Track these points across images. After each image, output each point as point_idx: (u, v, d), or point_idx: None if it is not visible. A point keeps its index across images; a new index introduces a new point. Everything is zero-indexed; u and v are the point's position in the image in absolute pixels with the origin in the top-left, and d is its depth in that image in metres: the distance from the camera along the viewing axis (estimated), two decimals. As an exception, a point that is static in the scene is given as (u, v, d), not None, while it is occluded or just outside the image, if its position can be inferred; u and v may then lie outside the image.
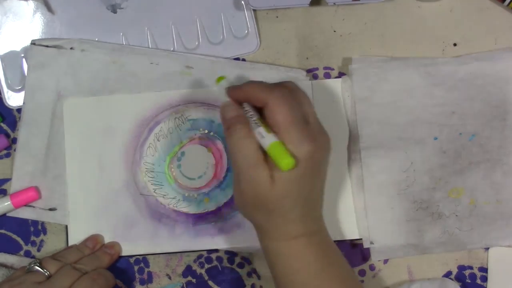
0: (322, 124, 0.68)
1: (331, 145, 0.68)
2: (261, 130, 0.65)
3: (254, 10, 0.81)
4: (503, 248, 0.78)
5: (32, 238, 0.80)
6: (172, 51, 0.81)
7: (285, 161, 0.63)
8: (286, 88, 0.67)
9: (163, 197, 0.79)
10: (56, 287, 0.71)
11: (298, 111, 0.65)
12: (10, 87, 0.81)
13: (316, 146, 0.64)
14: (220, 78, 0.69)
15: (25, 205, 0.79)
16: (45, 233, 0.80)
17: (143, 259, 0.79)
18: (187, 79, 0.80)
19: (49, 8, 0.80)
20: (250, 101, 0.67)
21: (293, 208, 0.66)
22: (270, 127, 0.65)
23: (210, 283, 0.79)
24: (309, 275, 0.68)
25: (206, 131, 0.80)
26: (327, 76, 0.81)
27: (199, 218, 0.79)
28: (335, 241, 0.78)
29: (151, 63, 0.80)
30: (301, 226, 0.67)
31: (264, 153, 0.65)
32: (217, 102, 0.80)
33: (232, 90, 0.68)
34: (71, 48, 0.80)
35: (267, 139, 0.64)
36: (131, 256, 0.79)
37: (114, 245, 0.78)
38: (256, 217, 0.68)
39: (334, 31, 0.81)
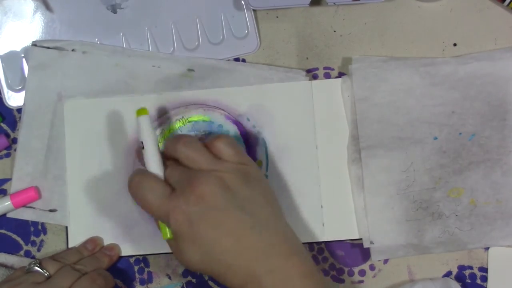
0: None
1: (236, 170, 0.69)
2: None
3: (254, 10, 0.81)
4: (503, 248, 0.78)
5: (32, 238, 0.80)
6: (174, 53, 0.81)
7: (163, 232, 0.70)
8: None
9: (163, 197, 0.79)
10: (56, 288, 0.71)
11: (174, 176, 0.70)
12: (10, 87, 0.81)
13: (178, 210, 0.67)
14: (140, 111, 0.72)
15: (25, 206, 0.79)
16: (45, 233, 0.80)
17: (143, 259, 0.79)
18: (188, 81, 0.80)
19: (47, 6, 0.80)
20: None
21: (211, 272, 0.68)
22: None
23: (210, 283, 0.79)
24: None
25: (207, 132, 0.80)
26: (327, 76, 0.81)
27: (199, 218, 0.79)
28: (335, 241, 0.78)
29: (153, 66, 0.80)
30: (237, 279, 0.66)
31: None
32: (217, 104, 0.79)
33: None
34: (72, 50, 0.80)
35: None
36: (131, 256, 0.79)
37: (113, 247, 0.78)
38: None
39: (334, 31, 0.81)
